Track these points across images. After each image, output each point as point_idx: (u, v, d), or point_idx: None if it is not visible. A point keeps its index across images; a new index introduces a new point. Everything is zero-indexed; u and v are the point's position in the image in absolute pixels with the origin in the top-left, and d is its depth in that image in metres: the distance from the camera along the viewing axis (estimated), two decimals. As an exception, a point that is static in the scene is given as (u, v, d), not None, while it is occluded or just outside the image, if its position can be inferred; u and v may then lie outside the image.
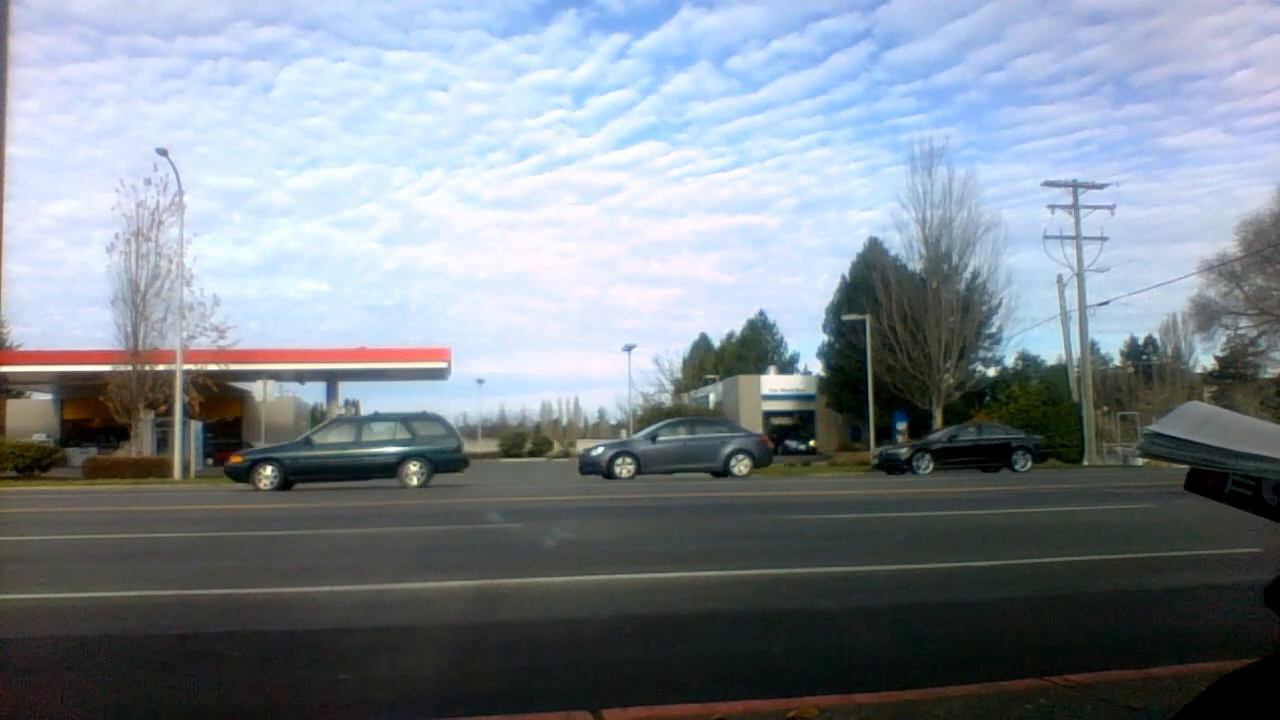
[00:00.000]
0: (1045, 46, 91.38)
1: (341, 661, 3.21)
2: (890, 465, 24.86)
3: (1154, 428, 1.16)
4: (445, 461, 18.27)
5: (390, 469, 17.84)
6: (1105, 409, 46.08)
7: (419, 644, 3.53)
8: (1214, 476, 1.14)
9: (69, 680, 3.01)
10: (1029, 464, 24.80)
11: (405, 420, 18.93)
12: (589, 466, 21.30)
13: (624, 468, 20.76)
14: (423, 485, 17.59)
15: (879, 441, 39.13)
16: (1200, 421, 1.14)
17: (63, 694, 2.84)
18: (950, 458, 24.79)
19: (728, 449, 21.44)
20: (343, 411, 44.84)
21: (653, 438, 22.04)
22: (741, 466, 21.32)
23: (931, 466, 24.31)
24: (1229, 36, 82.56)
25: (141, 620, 4.15)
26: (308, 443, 18.56)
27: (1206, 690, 1.05)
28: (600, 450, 21.89)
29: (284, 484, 17.42)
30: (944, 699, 2.40)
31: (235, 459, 18.47)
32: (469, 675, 3.04)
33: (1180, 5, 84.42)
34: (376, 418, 20.13)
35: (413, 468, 17.79)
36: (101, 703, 2.74)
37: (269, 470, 17.44)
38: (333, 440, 18.37)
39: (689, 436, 22.01)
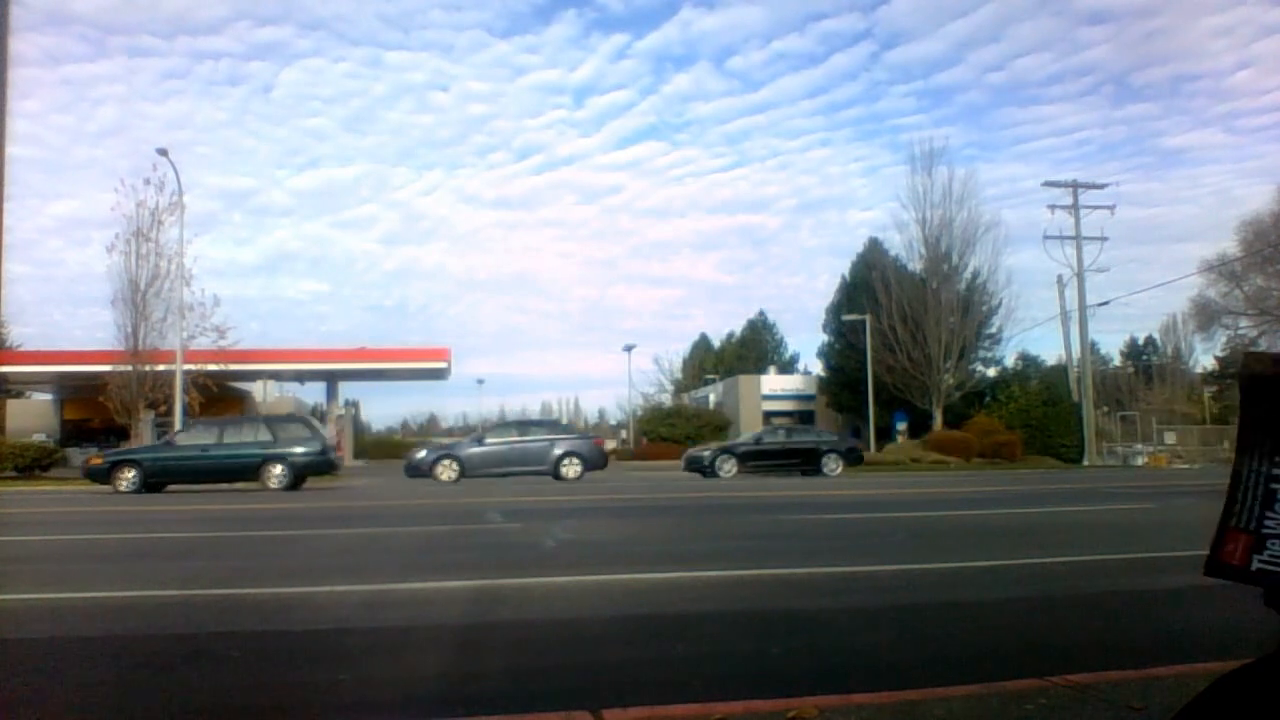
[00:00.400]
0: (1045, 46, 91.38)
1: (341, 661, 3.21)
2: (694, 468, 24.11)
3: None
4: (308, 464, 18.11)
5: (252, 471, 17.71)
6: (1105, 409, 46.06)
7: (418, 644, 3.53)
8: (1240, 550, 1.11)
9: (69, 680, 3.01)
10: (839, 468, 23.68)
11: (268, 422, 18.85)
12: (413, 470, 21.23)
13: (446, 471, 20.47)
14: (287, 488, 17.38)
15: (879, 442, 39.18)
16: None
17: (63, 694, 2.84)
18: (756, 460, 23.89)
19: (557, 452, 21.01)
20: (342, 412, 44.89)
21: (479, 440, 21.82)
22: (572, 470, 20.78)
23: (735, 470, 23.35)
24: (1229, 36, 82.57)
25: (142, 620, 4.15)
26: (169, 444, 18.47)
27: (1206, 690, 1.04)
28: (424, 454, 21.87)
29: (146, 486, 17.23)
30: (944, 699, 2.40)
31: (95, 459, 18.29)
32: (469, 675, 3.04)
33: (1180, 5, 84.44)
34: (239, 419, 20.12)
35: (275, 470, 17.66)
36: (101, 703, 2.74)
37: (130, 473, 17.32)
38: (194, 442, 18.21)
39: (517, 439, 21.55)
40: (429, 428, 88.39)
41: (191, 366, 28.03)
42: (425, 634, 3.71)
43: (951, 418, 37.85)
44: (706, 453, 24.63)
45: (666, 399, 65.00)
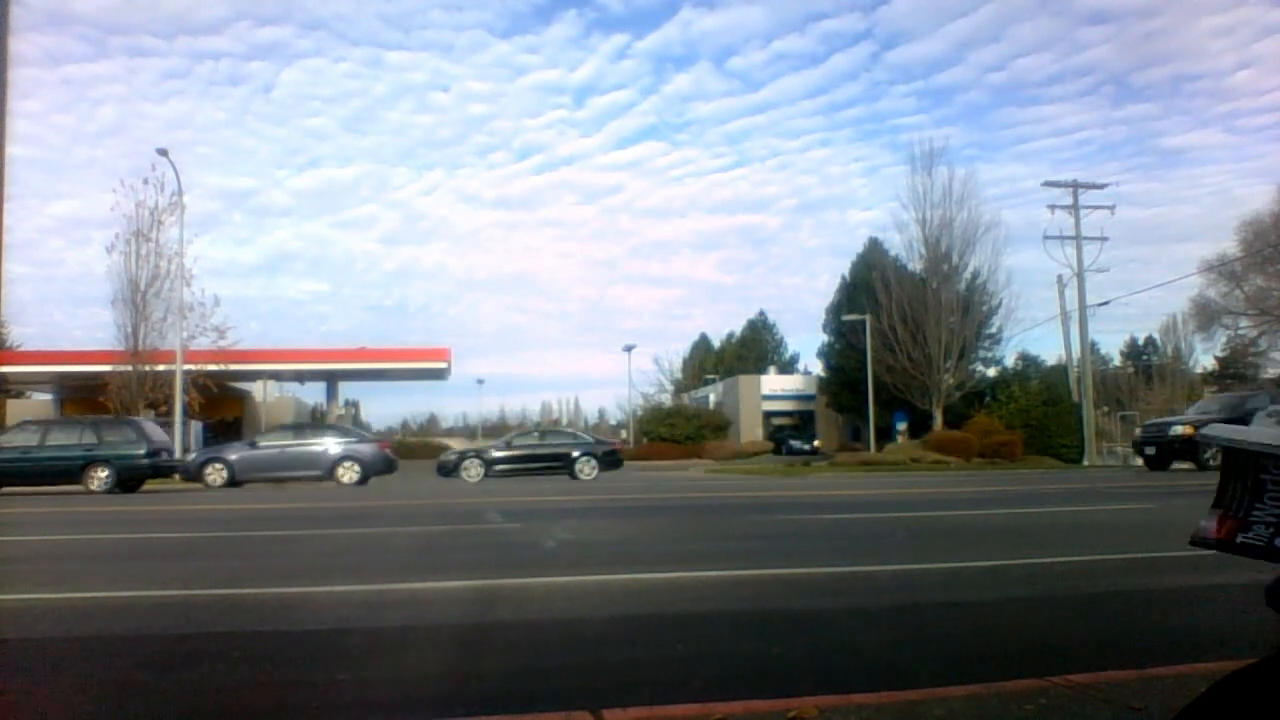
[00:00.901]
0: (1045, 47, 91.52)
1: (341, 661, 3.21)
2: (442, 472, 22.99)
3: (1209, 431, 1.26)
4: (134, 468, 18.05)
5: (75, 473, 17.68)
6: (1105, 409, 46.09)
7: (418, 644, 3.53)
8: (1226, 529, 1.21)
9: (69, 680, 3.01)
10: (594, 472, 22.27)
11: (94, 425, 18.79)
12: (185, 472, 21.03)
13: (215, 475, 19.95)
14: (111, 491, 17.22)
15: (879, 442, 39.17)
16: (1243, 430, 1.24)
17: (63, 694, 2.84)
18: (505, 465, 22.55)
19: (334, 455, 20.34)
20: (342, 413, 44.88)
21: (252, 444, 21.22)
22: (349, 475, 20.11)
23: (481, 474, 21.95)
24: (1229, 37, 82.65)
25: (141, 620, 4.15)
26: None
27: (1207, 690, 1.04)
28: (193, 456, 21.63)
29: None
30: (944, 699, 2.39)
31: None
32: (469, 675, 3.04)
33: (1180, 5, 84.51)
34: (68, 421, 20.14)
35: (99, 473, 17.63)
36: (101, 702, 2.74)
37: None
38: (17, 443, 18.14)
39: (292, 442, 20.87)
40: (429, 428, 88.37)
41: (191, 366, 28.07)
42: (425, 634, 3.70)
43: (951, 418, 37.85)
44: (453, 456, 23.40)
45: (666, 399, 65.03)
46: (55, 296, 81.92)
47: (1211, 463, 20.05)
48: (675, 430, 50.91)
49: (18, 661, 3.31)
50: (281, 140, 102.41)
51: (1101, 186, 35.58)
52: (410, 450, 56.22)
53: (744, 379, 58.40)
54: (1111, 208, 35.24)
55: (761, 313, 75.36)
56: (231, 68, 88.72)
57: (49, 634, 3.81)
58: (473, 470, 21.99)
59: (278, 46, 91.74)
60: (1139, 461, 22.52)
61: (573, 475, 22.12)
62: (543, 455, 22.75)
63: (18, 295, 53.99)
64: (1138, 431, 23.26)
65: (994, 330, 40.78)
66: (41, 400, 43.66)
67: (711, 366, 67.78)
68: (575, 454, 22.57)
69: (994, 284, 38.89)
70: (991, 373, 43.33)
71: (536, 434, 25.02)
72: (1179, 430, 20.76)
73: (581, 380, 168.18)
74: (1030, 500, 12.06)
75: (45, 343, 69.50)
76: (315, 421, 26.08)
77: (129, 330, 28.69)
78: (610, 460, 23.30)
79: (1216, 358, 55.89)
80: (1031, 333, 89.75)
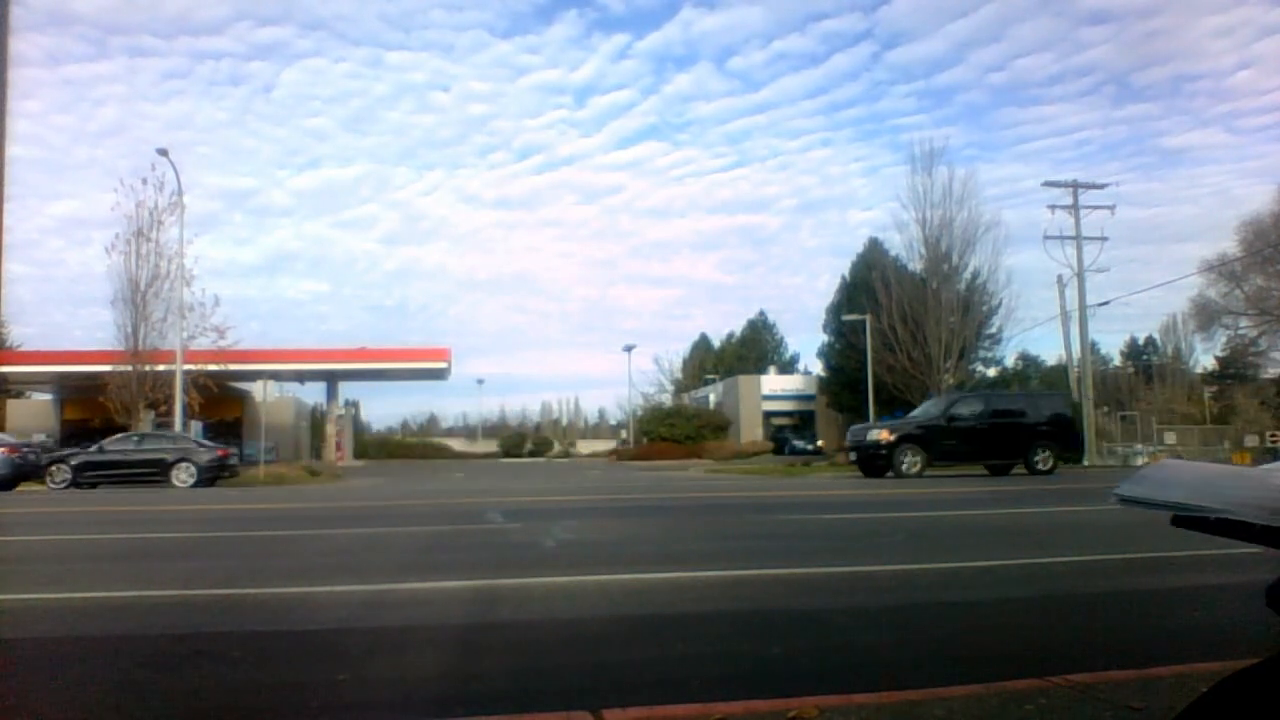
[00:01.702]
0: (1046, 47, 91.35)
1: (341, 661, 3.21)
2: (35, 473, 20.98)
3: (1121, 491, 1.17)
4: None
5: None
6: (1105, 409, 46.03)
7: (418, 644, 3.53)
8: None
9: (69, 680, 3.01)
10: (192, 479, 20.41)
11: None
12: None
13: None
14: None
15: (879, 441, 39.09)
16: (1162, 482, 1.15)
17: (63, 694, 2.84)
18: (94, 471, 20.68)
19: None
20: (342, 412, 44.88)
21: None
22: None
23: (69, 479, 20.27)
24: (1229, 37, 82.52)
25: (141, 620, 4.15)
26: None
27: (1208, 691, 1.04)
28: None
29: None
30: (944, 699, 2.40)
31: None
32: (469, 675, 3.04)
33: (1181, 5, 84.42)
34: None
35: None
36: (101, 703, 2.74)
37: None
38: None
39: None
40: (429, 428, 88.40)
41: (191, 366, 28.05)
42: (425, 634, 3.70)
43: (952, 418, 37.82)
44: (46, 459, 21.47)
45: (667, 399, 65.03)
46: (55, 296, 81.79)
47: (909, 472, 19.09)
48: (675, 430, 50.94)
49: (18, 661, 3.31)
50: (282, 140, 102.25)
51: (1101, 186, 35.58)
52: (409, 450, 56.39)
53: (744, 379, 58.36)
54: (1111, 208, 35.24)
55: (761, 313, 75.31)
56: (232, 68, 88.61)
57: (50, 634, 3.80)
58: (58, 476, 20.42)
59: (278, 46, 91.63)
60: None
61: (169, 483, 20.40)
62: (135, 461, 20.89)
63: (18, 295, 53.97)
64: (848, 437, 22.59)
65: (994, 330, 40.75)
66: (42, 400, 43.69)
67: (711, 366, 67.73)
68: (172, 461, 20.79)
69: (994, 284, 38.81)
70: (992, 373, 43.32)
71: (135, 438, 22.69)
72: (875, 436, 20.08)
73: (581, 380, 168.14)
74: (1030, 500, 12.06)
75: (45, 343, 69.41)
76: None
77: (129, 330, 28.71)
78: (216, 468, 21.21)
79: (1216, 358, 55.90)
80: (1031, 333, 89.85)
